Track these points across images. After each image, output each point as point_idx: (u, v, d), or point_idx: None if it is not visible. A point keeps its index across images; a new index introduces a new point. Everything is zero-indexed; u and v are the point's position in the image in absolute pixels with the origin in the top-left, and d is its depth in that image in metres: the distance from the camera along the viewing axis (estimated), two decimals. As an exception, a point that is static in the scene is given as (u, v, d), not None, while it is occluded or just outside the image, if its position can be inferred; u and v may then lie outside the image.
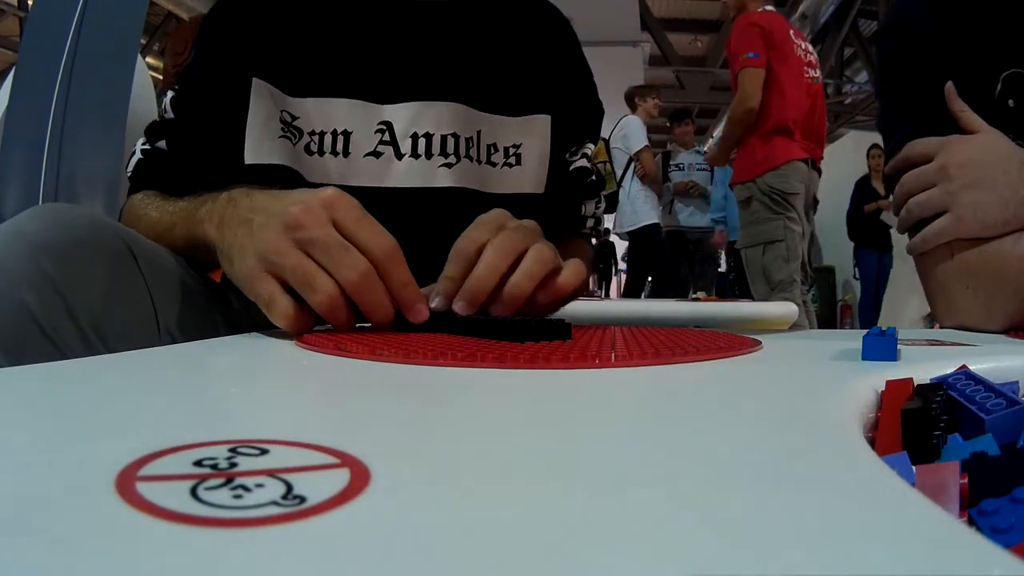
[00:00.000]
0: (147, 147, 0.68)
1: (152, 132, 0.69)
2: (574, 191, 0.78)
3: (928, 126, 0.65)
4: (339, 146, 0.66)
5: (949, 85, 0.64)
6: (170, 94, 0.69)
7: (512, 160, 0.72)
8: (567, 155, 0.77)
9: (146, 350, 0.36)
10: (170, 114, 0.68)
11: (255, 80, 0.65)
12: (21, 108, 2.00)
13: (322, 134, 0.66)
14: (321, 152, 0.66)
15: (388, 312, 0.43)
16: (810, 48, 2.37)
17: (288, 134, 0.66)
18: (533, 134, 0.73)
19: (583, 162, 0.78)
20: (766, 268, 2.22)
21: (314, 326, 0.45)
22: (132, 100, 2.01)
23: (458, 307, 0.45)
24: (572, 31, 0.81)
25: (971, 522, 0.17)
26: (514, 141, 0.72)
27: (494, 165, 0.71)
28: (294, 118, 0.66)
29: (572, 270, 0.49)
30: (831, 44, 6.88)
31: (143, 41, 5.51)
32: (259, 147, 0.65)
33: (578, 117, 0.78)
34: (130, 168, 0.68)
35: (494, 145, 0.71)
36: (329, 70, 0.67)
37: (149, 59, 5.33)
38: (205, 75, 0.68)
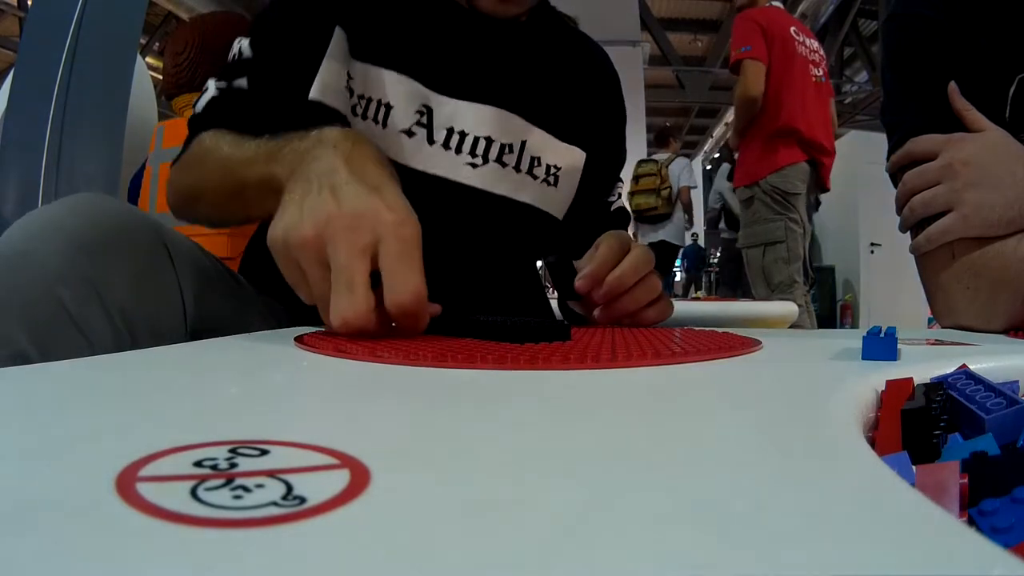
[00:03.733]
0: (223, 85, 0.66)
1: (230, 71, 0.67)
2: (615, 227, 0.83)
3: (935, 121, 0.63)
4: (380, 115, 0.68)
5: (952, 84, 0.63)
6: (244, 40, 0.67)
7: (551, 179, 0.75)
8: (606, 196, 0.84)
9: (147, 350, 0.36)
10: (248, 54, 0.66)
11: (338, 28, 0.66)
12: (21, 108, 2.00)
13: (369, 100, 0.67)
14: (364, 116, 0.67)
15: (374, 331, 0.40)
16: (815, 46, 2.35)
17: (347, 88, 0.67)
18: (571, 162, 0.77)
19: (620, 202, 0.86)
20: (766, 269, 2.22)
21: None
22: (132, 100, 2.01)
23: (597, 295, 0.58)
24: (618, 82, 0.86)
25: (971, 522, 0.17)
26: (556, 162, 0.75)
27: (535, 178, 0.74)
28: (350, 78, 0.67)
29: (659, 309, 0.62)
30: (831, 44, 6.89)
31: (143, 41, 5.51)
32: (325, 88, 0.65)
33: (608, 162, 0.83)
34: (200, 106, 0.66)
35: (538, 159, 0.74)
36: (393, 45, 0.69)
37: (149, 59, 5.33)
38: (287, 15, 0.68)
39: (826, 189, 2.35)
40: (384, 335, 0.40)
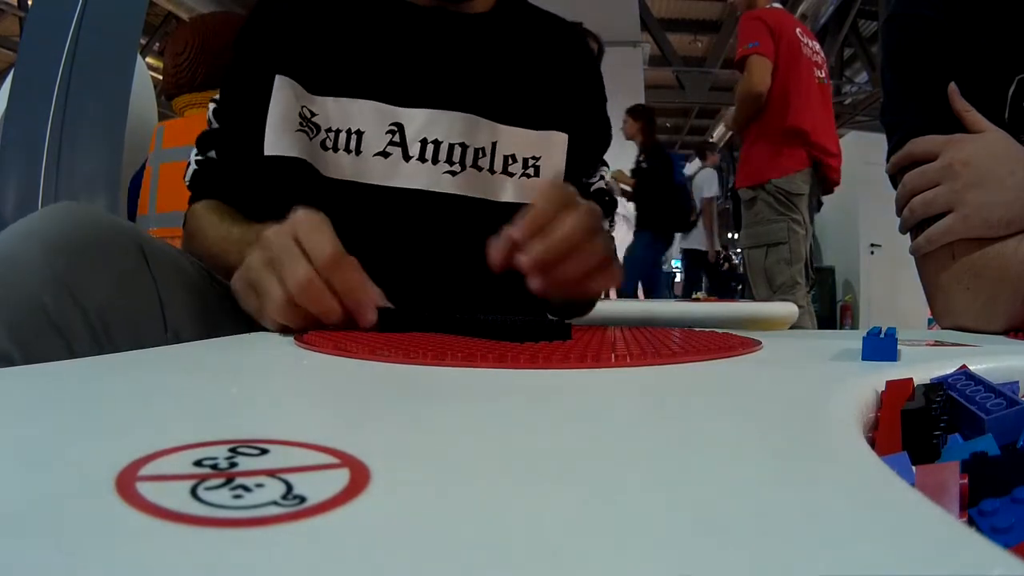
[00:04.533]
0: (200, 158, 0.72)
1: (202, 143, 0.72)
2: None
3: (935, 122, 0.63)
4: (352, 144, 0.69)
5: (952, 85, 0.63)
6: (212, 105, 0.73)
7: (531, 171, 0.74)
8: (585, 178, 0.81)
9: (146, 350, 0.36)
10: (215, 124, 0.72)
11: (278, 76, 0.68)
12: (21, 108, 2.00)
13: (338, 132, 0.68)
14: (336, 149, 0.68)
15: (337, 315, 0.46)
16: (817, 48, 2.35)
17: (305, 128, 0.69)
18: (551, 149, 0.76)
19: (601, 184, 0.82)
20: (768, 270, 2.21)
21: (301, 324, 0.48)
22: (132, 100, 2.01)
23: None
24: (595, 59, 0.85)
25: (971, 522, 0.17)
26: (533, 153, 0.74)
27: (512, 175, 0.73)
28: (313, 115, 0.69)
29: (607, 277, 0.56)
30: (831, 44, 6.89)
31: (143, 41, 5.52)
32: (278, 140, 0.67)
33: (592, 141, 0.81)
34: (187, 178, 0.72)
35: (512, 156, 0.73)
36: (352, 72, 0.69)
37: (149, 59, 5.34)
38: (238, 78, 0.72)
39: (832, 190, 2.35)
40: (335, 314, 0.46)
